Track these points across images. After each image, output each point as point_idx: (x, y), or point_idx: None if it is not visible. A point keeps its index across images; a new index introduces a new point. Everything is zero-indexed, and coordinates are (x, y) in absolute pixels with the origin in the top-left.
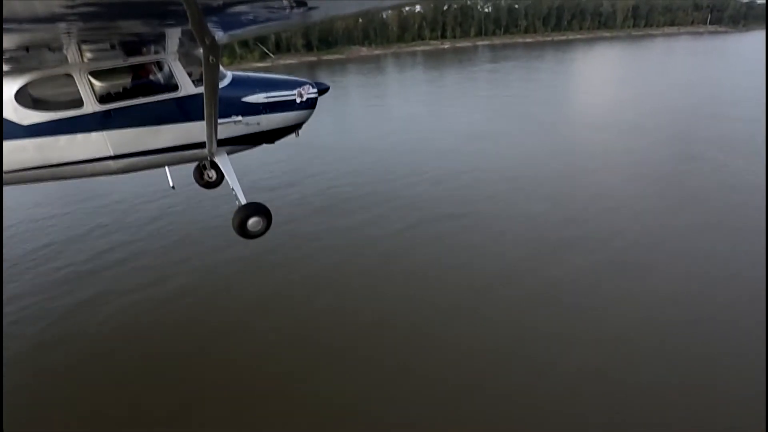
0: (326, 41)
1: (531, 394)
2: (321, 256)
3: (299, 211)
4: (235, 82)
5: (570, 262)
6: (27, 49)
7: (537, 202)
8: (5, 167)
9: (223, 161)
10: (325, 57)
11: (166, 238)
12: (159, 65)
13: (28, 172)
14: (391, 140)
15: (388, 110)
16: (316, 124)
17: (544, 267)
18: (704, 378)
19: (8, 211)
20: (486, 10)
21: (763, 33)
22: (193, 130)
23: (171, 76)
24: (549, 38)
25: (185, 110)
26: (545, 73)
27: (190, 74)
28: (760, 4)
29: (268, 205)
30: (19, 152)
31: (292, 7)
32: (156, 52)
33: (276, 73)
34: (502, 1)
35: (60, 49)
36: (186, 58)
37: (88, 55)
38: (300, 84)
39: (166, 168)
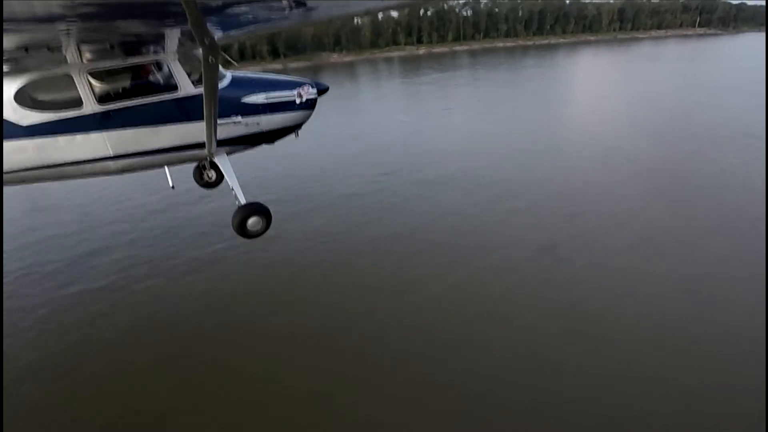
0: (294, 47)
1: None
2: None
3: None
4: (235, 82)
5: None
6: (26, 49)
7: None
8: (5, 167)
9: (222, 161)
10: (293, 64)
11: None
12: (158, 65)
13: (28, 173)
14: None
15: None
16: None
17: None
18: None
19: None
20: (466, 14)
21: (755, 35)
22: (193, 131)
23: (170, 76)
24: (531, 42)
25: (185, 110)
26: (469, 88)
27: (189, 74)
28: (750, 6)
29: (267, 204)
30: (19, 152)
31: (291, 7)
32: (155, 53)
33: None
34: (482, 4)
35: (59, 49)
36: (185, 58)
37: (87, 55)
38: (300, 84)
39: (166, 168)
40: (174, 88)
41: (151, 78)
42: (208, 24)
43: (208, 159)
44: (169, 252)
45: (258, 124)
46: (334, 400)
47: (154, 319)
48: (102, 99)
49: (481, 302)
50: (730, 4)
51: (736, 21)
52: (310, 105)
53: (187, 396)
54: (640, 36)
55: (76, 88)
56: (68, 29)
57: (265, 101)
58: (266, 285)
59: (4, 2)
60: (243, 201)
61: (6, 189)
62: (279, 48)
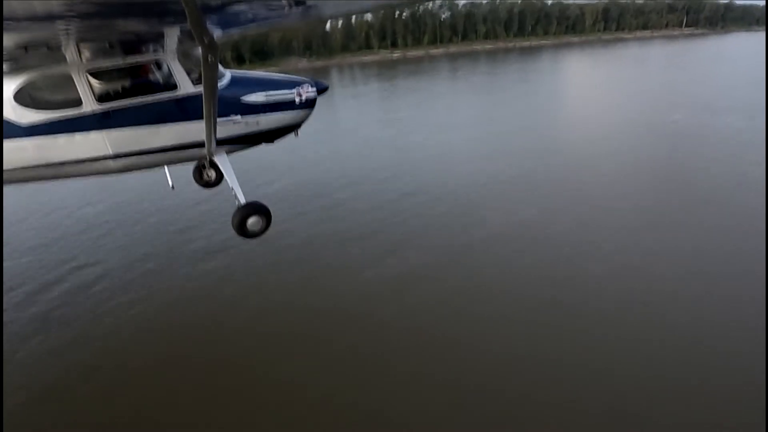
0: (260, 53)
1: None
2: None
3: None
4: (234, 81)
5: None
6: (26, 48)
7: None
8: (4, 166)
9: (222, 161)
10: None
11: None
12: (158, 64)
13: (28, 172)
14: None
15: None
16: None
17: None
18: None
19: None
20: (443, 15)
21: (744, 34)
22: (192, 130)
23: (170, 75)
24: (511, 44)
25: (184, 110)
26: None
27: (188, 73)
28: (739, 5)
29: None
30: (18, 152)
31: (290, 6)
32: (155, 51)
33: None
34: (460, 5)
35: (59, 48)
36: (185, 57)
37: (86, 54)
38: (299, 83)
39: (166, 168)
40: (173, 87)
41: (150, 77)
42: (207, 23)
43: (208, 158)
44: None
45: (257, 123)
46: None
47: None
48: (101, 98)
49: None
50: (717, 3)
51: (724, 20)
52: (309, 104)
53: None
54: (626, 36)
55: (76, 87)
56: (68, 28)
57: (265, 100)
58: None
59: (4, 1)
60: (243, 200)
61: (6, 188)
62: (244, 54)
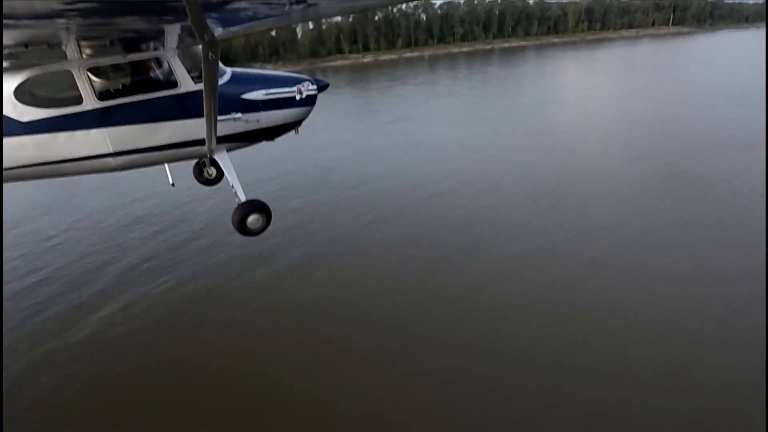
0: (224, 59)
1: None
2: None
3: None
4: (235, 78)
5: None
6: (26, 45)
7: None
8: (4, 164)
9: (222, 158)
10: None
11: None
12: (158, 62)
13: (28, 169)
14: None
15: None
16: None
17: None
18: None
19: None
20: (418, 17)
21: (733, 32)
22: (193, 127)
23: (170, 72)
24: (490, 46)
25: (184, 107)
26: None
27: (189, 71)
28: (727, 3)
29: (267, 202)
30: (19, 149)
31: (291, 4)
32: (155, 49)
33: None
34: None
35: (59, 45)
36: (185, 54)
37: (87, 51)
38: (299, 81)
39: (166, 165)
40: (174, 84)
41: (151, 74)
42: (208, 20)
43: (208, 156)
44: None
45: (258, 120)
46: None
47: None
48: (102, 95)
49: None
50: (705, 1)
51: (712, 18)
52: (309, 101)
53: None
54: (611, 36)
55: (76, 84)
56: (68, 25)
57: (265, 98)
58: None
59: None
60: (243, 198)
61: (6, 186)
62: None
